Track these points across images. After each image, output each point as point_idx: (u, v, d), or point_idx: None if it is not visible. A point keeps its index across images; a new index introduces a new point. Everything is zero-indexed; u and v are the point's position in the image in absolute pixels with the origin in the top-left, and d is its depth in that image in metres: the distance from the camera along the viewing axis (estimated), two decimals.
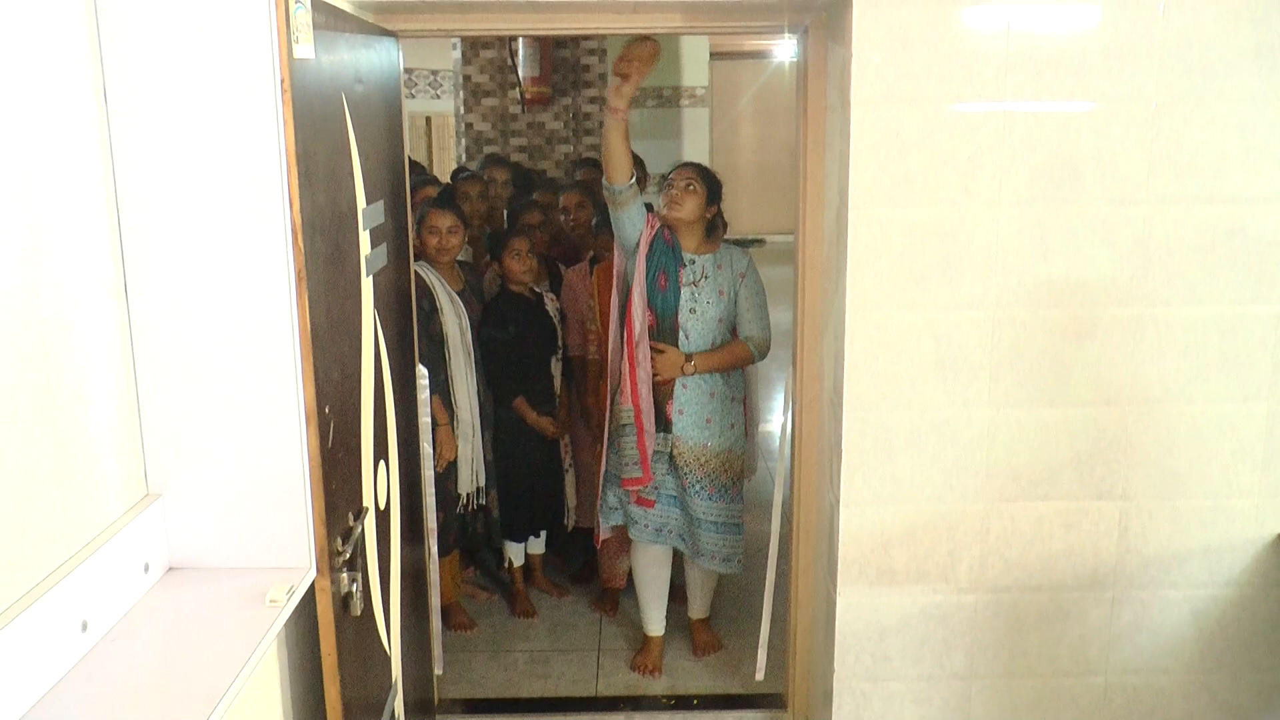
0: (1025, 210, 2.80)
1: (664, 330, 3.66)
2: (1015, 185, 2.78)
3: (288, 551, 1.87)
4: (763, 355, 3.77)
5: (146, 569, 1.78)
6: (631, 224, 3.60)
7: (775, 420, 5.95)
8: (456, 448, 3.86)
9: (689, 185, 3.64)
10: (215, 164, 1.80)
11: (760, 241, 12.11)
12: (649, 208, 3.71)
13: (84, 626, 1.55)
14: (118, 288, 1.77)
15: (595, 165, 6.01)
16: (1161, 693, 3.10)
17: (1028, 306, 2.86)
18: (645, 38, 3.32)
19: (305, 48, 1.98)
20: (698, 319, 3.66)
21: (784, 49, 11.16)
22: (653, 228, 3.64)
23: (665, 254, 3.67)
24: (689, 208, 3.63)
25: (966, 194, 2.79)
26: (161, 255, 1.79)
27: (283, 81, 1.82)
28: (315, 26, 2.06)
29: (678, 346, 3.66)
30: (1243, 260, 2.84)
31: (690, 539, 3.72)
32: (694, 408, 3.67)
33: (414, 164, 5.17)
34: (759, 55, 12.47)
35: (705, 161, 8.82)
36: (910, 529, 2.98)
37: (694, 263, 3.69)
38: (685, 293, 3.67)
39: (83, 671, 1.50)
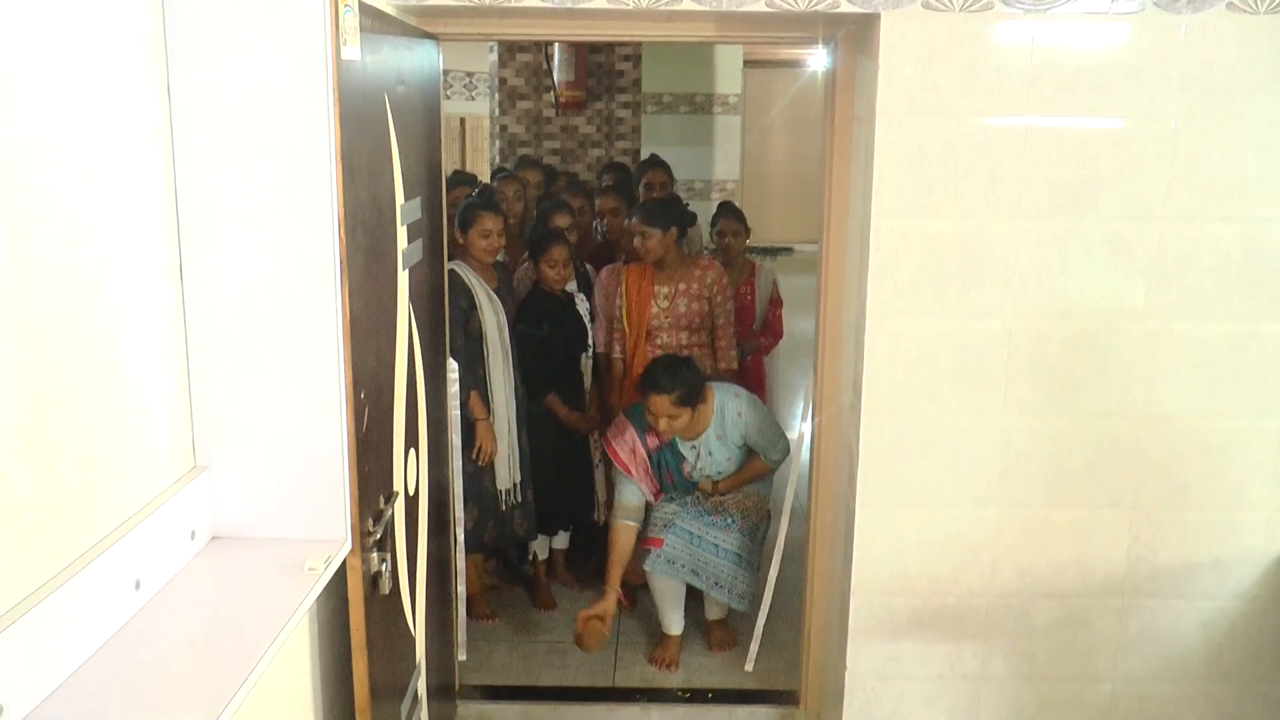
0: (1044, 224, 2.87)
1: (681, 489, 3.95)
2: (1035, 199, 2.85)
3: (325, 526, 1.97)
4: (778, 466, 4.00)
5: (193, 536, 1.89)
6: (634, 493, 3.88)
7: (794, 426, 6.02)
8: (496, 443, 3.96)
9: (673, 418, 3.71)
10: (266, 158, 1.90)
11: (789, 250, 12.17)
12: (643, 422, 3.84)
13: (137, 585, 1.66)
14: (174, 273, 1.88)
15: (624, 169, 6.12)
16: (1167, 702, 3.15)
17: (1044, 318, 2.93)
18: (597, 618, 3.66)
19: (352, 49, 2.08)
20: (713, 474, 3.94)
21: (817, 59, 11.21)
22: (647, 449, 3.88)
23: (664, 457, 3.90)
24: (679, 429, 3.78)
25: (987, 207, 2.86)
26: (214, 243, 1.90)
27: (331, 81, 1.92)
28: (361, 29, 2.16)
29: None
30: (1258, 279, 2.89)
31: (704, 570, 3.84)
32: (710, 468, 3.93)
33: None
34: (792, 64, 12.53)
35: (736, 170, 8.93)
36: (924, 532, 3.05)
37: (694, 448, 3.90)
38: (695, 476, 3.94)
39: (135, 626, 1.61)
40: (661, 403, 3.67)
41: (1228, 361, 2.95)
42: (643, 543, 3.85)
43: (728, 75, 9.01)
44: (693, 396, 3.72)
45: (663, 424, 3.71)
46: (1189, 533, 3.05)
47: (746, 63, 9.00)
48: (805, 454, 3.69)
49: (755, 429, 3.88)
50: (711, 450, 3.88)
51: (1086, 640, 3.13)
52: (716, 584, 3.83)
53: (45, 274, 1.47)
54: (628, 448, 3.87)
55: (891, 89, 2.80)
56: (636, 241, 4.18)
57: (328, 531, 1.98)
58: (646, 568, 3.83)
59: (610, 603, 3.70)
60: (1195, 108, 2.81)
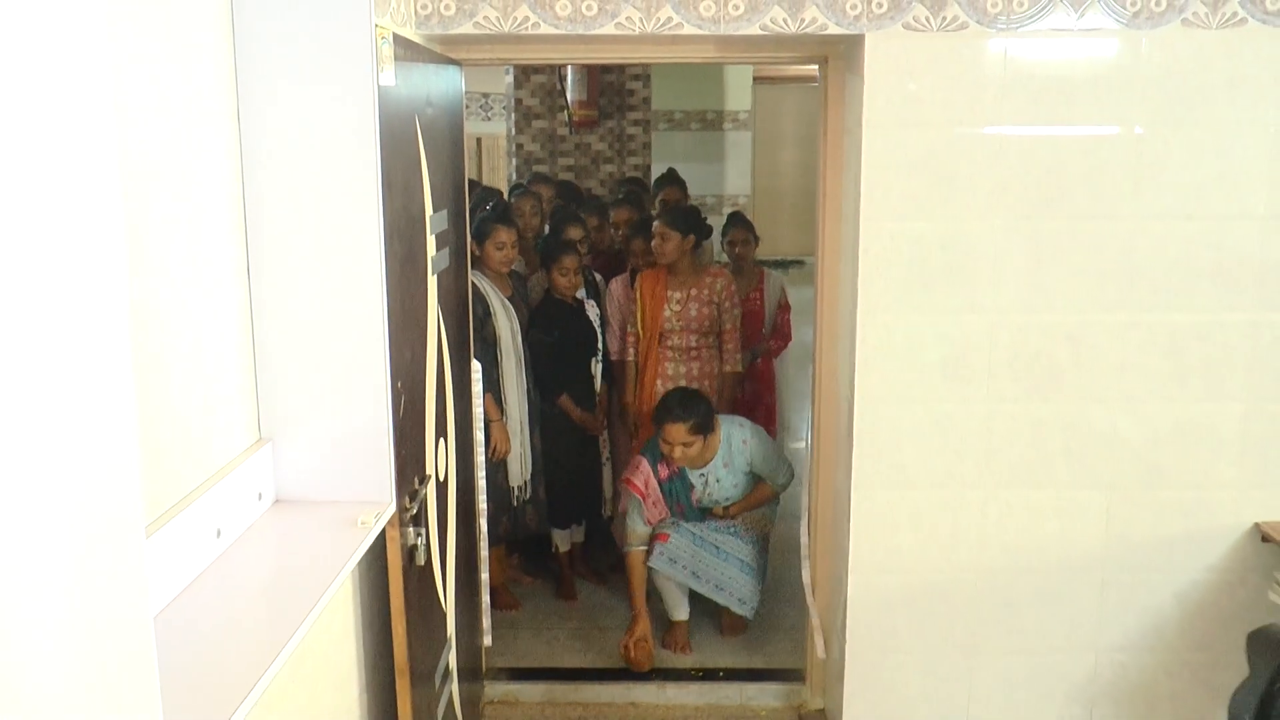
0: (1020, 224, 3.11)
1: (691, 518, 4.22)
2: (1012, 202, 3.10)
3: (372, 491, 2.24)
4: (785, 489, 4.27)
5: (260, 498, 2.16)
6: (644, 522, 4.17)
7: (806, 433, 6.25)
8: (509, 442, 4.21)
9: (687, 445, 4.02)
10: (319, 174, 2.17)
11: (800, 263, 12.38)
12: (656, 453, 4.14)
13: (218, 534, 1.93)
14: (243, 274, 2.16)
15: (639, 182, 6.39)
16: (1146, 669, 3.37)
17: (1023, 312, 3.17)
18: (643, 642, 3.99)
19: (388, 76, 2.35)
20: (721, 500, 4.20)
21: None
22: (659, 479, 4.16)
23: (675, 486, 4.17)
24: (691, 457, 4.06)
25: (967, 210, 3.10)
26: (277, 248, 2.17)
27: (374, 106, 2.19)
28: (396, 58, 2.43)
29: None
30: (1220, 273, 3.13)
31: (705, 572, 4.10)
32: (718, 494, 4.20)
33: (473, 182, 5.58)
34: (802, 80, 12.75)
35: (747, 185, 9.14)
36: (915, 512, 3.29)
37: (702, 476, 4.18)
38: (704, 504, 4.20)
39: (218, 568, 1.88)
40: (677, 431, 3.98)
41: (1194, 349, 3.18)
42: (652, 539, 4.12)
43: (738, 92, 9.16)
44: (705, 425, 4.04)
45: (677, 452, 4.01)
46: (1163, 510, 3.27)
47: (756, 79, 9.17)
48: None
49: (760, 456, 4.17)
50: (719, 478, 4.16)
51: (1069, 613, 3.35)
52: (718, 587, 4.10)
53: (147, 272, 1.74)
54: (642, 479, 4.16)
55: (876, 103, 3.05)
56: (655, 242, 4.46)
57: (374, 495, 2.24)
58: (650, 564, 4.10)
59: (645, 625, 4.01)
60: (1157, 115, 3.05)
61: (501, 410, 4.21)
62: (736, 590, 4.10)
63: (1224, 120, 3.05)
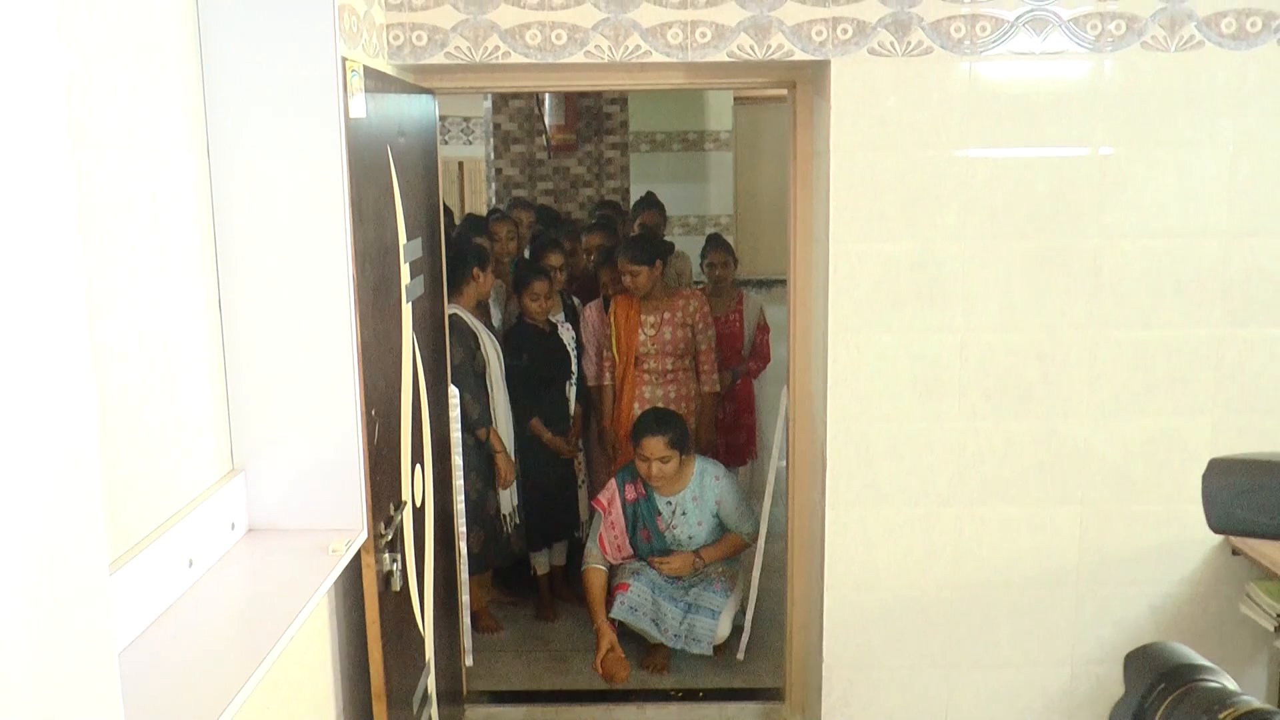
0: (988, 244, 3.15)
1: (657, 549, 4.25)
2: (978, 221, 3.14)
3: (344, 519, 2.26)
4: (753, 540, 4.27)
5: (233, 527, 2.17)
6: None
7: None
8: (514, 472, 4.28)
9: (664, 460, 4.08)
10: (289, 205, 2.20)
11: (783, 282, 12.41)
12: (627, 475, 4.22)
13: (190, 563, 1.94)
14: (214, 306, 2.18)
15: (614, 206, 6.42)
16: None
17: (993, 329, 3.21)
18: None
19: (358, 108, 2.38)
20: (683, 539, 4.23)
21: None
22: (623, 501, 4.21)
23: (641, 509, 4.21)
24: (667, 475, 4.11)
25: (935, 230, 3.15)
26: (247, 280, 2.20)
27: (342, 137, 2.22)
28: (366, 90, 2.46)
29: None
30: (1185, 288, 3.17)
31: (663, 620, 4.14)
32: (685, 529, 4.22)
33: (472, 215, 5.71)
34: (783, 100, 12.82)
35: (729, 205, 9.18)
36: (890, 529, 3.32)
37: (670, 504, 4.21)
38: (667, 535, 4.23)
39: (190, 597, 1.89)
40: (655, 445, 4.04)
41: (1162, 364, 3.22)
42: (613, 590, 4.20)
43: (719, 112, 9.17)
44: (682, 441, 4.11)
45: (655, 468, 4.05)
46: (1135, 523, 3.31)
47: (737, 100, 9.17)
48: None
49: (729, 498, 4.22)
50: (686, 510, 4.19)
51: (1045, 626, 3.38)
52: (675, 635, 4.12)
53: (118, 304, 1.76)
54: (607, 497, 4.24)
55: (843, 126, 3.10)
56: (626, 280, 4.50)
57: (347, 524, 2.26)
58: (613, 616, 4.16)
59: (609, 637, 4.08)
60: (1120, 135, 3.10)
61: (503, 444, 4.28)
62: (692, 633, 4.11)
63: (1184, 139, 3.10)
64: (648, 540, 4.21)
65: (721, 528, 4.25)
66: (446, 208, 4.40)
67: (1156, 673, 0.99)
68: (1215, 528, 0.95)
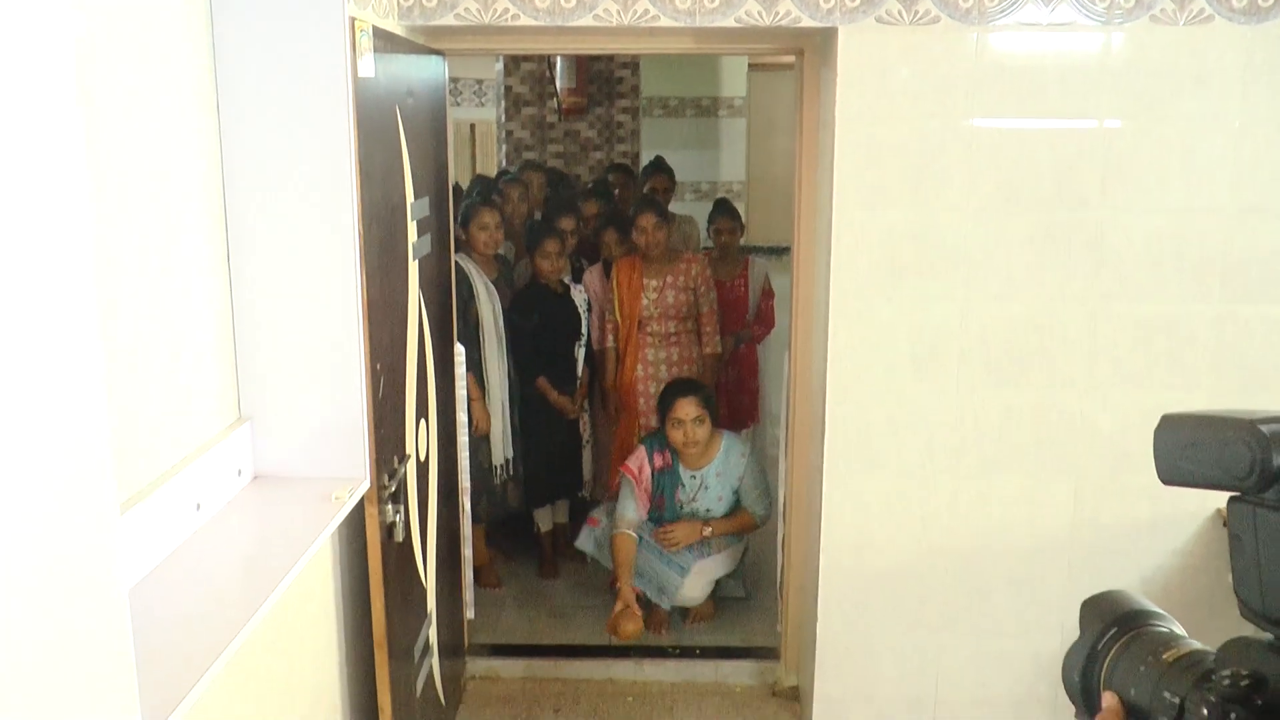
0: (990, 216, 3.17)
1: (668, 518, 4.25)
2: (981, 193, 3.16)
3: (348, 468, 2.32)
4: (764, 522, 4.28)
5: (239, 474, 2.24)
6: (633, 508, 4.21)
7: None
8: (490, 420, 4.30)
9: (699, 420, 4.08)
10: (297, 164, 2.24)
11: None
12: (655, 443, 4.21)
13: (198, 507, 2.01)
14: (223, 260, 2.23)
15: (625, 169, 6.44)
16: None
17: (993, 301, 3.23)
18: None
19: (367, 68, 2.41)
20: (700, 511, 4.23)
21: None
22: (652, 468, 4.21)
23: (665, 479, 4.22)
24: (703, 436, 4.11)
25: (938, 201, 3.17)
26: (256, 235, 2.24)
27: (350, 97, 2.26)
28: (375, 50, 2.49)
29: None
30: (1184, 264, 3.19)
31: (651, 574, 4.19)
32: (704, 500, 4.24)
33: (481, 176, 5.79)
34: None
35: (741, 172, 9.17)
36: (886, 498, 3.36)
37: (694, 477, 4.21)
38: (685, 509, 4.23)
39: (197, 540, 1.96)
40: (689, 404, 4.06)
41: (1162, 339, 3.25)
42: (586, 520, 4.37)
43: (733, 79, 9.12)
44: (711, 402, 4.14)
45: (689, 429, 4.06)
46: (1129, 496, 3.34)
47: (751, 66, 9.14)
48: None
49: (751, 475, 4.22)
50: (709, 485, 4.21)
51: (1038, 595, 3.43)
52: (648, 582, 4.18)
53: (129, 257, 1.81)
54: (637, 464, 4.22)
55: (849, 95, 3.11)
56: (643, 238, 4.52)
57: (350, 473, 2.32)
58: (577, 544, 4.37)
59: (629, 596, 4.04)
60: (1124, 109, 3.11)
61: (483, 390, 4.29)
62: (665, 587, 4.17)
63: (1191, 115, 3.11)
64: (663, 507, 4.24)
65: (738, 504, 4.28)
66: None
67: (1109, 618, 1.04)
68: (1163, 479, 1.00)
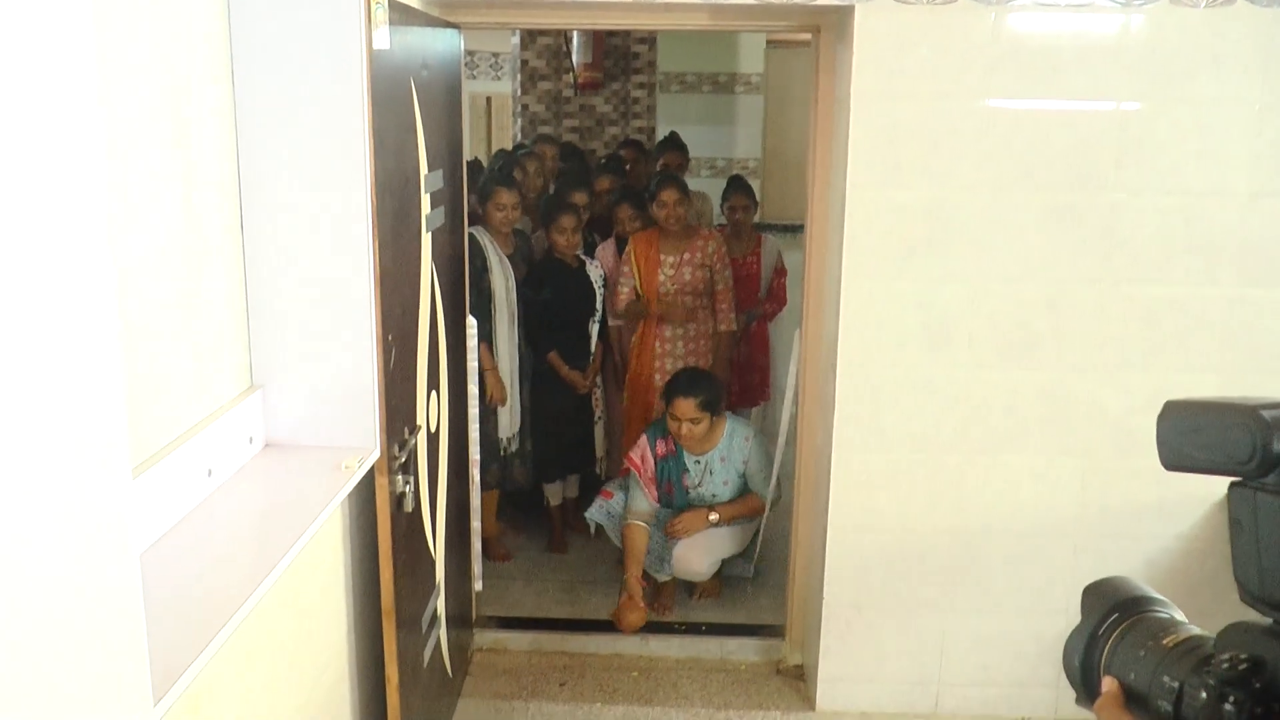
0: (1003, 195, 3.17)
1: (678, 507, 4.23)
2: (995, 173, 3.15)
3: (359, 438, 2.34)
4: (775, 505, 4.28)
5: (251, 441, 2.26)
6: (644, 500, 4.20)
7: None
8: (505, 390, 4.32)
9: (695, 422, 4.05)
10: (311, 135, 2.25)
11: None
12: (658, 431, 4.20)
13: (209, 473, 2.03)
14: (236, 230, 2.24)
15: (637, 145, 6.43)
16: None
17: (1005, 281, 3.23)
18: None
19: (382, 40, 2.42)
20: (707, 496, 4.21)
21: None
22: (655, 457, 4.20)
23: (669, 466, 4.20)
24: (697, 436, 4.09)
25: (951, 180, 3.16)
26: (269, 205, 2.26)
27: (364, 69, 2.26)
28: (390, 22, 2.49)
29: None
30: (1197, 247, 3.19)
31: (660, 553, 4.20)
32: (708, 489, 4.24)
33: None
34: None
35: (757, 149, 9.13)
36: (893, 474, 3.37)
37: (699, 463, 4.20)
38: (692, 494, 4.22)
39: (208, 505, 1.98)
40: (686, 406, 4.04)
41: (1173, 321, 3.25)
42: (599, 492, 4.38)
43: (750, 55, 9.05)
44: (713, 405, 4.09)
45: (685, 428, 4.05)
46: (1136, 478, 3.35)
47: (769, 42, 9.09)
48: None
49: (756, 459, 4.21)
50: (713, 470, 4.21)
51: (1043, 576, 3.44)
52: (660, 559, 4.19)
53: (143, 224, 1.83)
54: (639, 455, 4.23)
55: (865, 73, 3.10)
56: (664, 212, 4.52)
57: (361, 442, 2.34)
58: (587, 515, 4.35)
59: (636, 590, 4.03)
60: (1143, 91, 3.10)
61: (493, 361, 4.32)
62: (663, 557, 4.18)
63: (1208, 98, 3.09)
64: (670, 494, 4.26)
65: (746, 487, 4.28)
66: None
67: (1110, 604, 1.05)
68: (1166, 465, 1.01)
